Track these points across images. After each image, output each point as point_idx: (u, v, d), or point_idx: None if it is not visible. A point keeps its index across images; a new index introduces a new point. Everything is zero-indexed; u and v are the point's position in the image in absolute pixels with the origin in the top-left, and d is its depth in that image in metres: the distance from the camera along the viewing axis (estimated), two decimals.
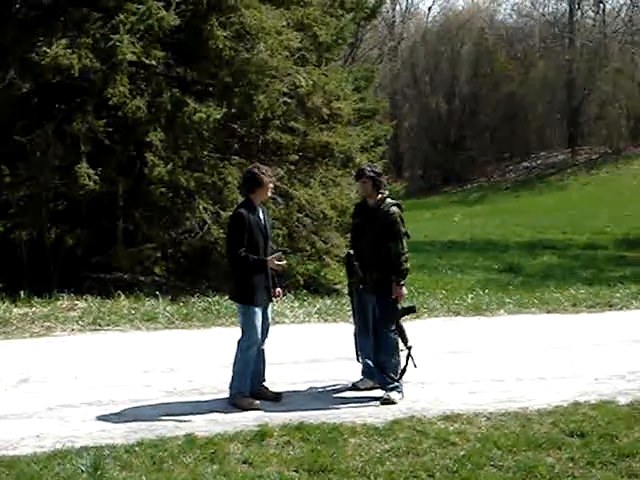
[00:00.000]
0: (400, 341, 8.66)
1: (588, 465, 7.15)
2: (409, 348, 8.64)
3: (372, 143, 24.02)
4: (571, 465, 7.15)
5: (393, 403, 8.55)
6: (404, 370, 8.63)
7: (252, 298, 8.38)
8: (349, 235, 9.43)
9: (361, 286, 8.61)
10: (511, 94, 56.15)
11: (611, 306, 14.59)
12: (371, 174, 8.65)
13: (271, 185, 8.46)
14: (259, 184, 8.32)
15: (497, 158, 57.14)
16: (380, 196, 8.69)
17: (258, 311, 8.40)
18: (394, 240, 8.56)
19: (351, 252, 8.71)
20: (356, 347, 8.91)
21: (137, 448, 7.34)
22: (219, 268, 15.58)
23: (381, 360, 8.68)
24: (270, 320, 8.73)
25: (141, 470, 6.92)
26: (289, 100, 17.19)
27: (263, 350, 8.66)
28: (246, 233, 8.27)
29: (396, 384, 8.68)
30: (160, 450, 7.31)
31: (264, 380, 8.76)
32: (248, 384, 8.52)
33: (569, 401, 8.75)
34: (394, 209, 8.63)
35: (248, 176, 8.52)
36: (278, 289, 8.71)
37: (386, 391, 8.69)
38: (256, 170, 8.39)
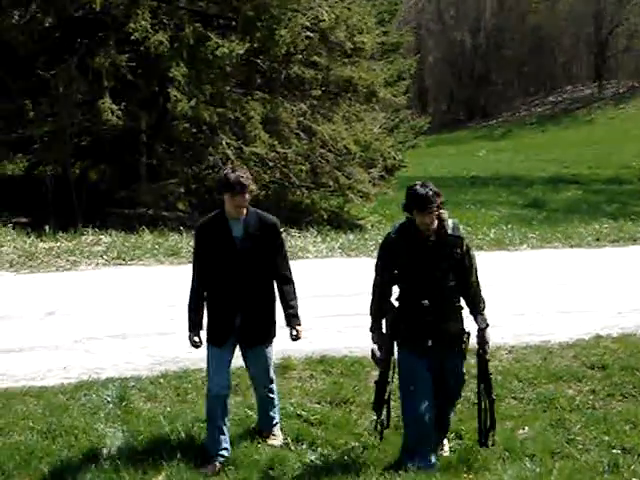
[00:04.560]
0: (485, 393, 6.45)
1: (609, 397, 7.22)
2: (493, 401, 6.41)
3: (396, 78, 23.88)
4: (592, 397, 7.21)
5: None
6: (494, 423, 6.33)
7: (208, 333, 6.34)
8: (379, 276, 6.27)
9: (430, 343, 6.20)
10: (537, 27, 55.31)
11: (635, 240, 14.52)
12: (438, 198, 6.03)
13: (239, 199, 6.07)
14: (224, 189, 6.16)
15: (523, 92, 56.60)
16: (440, 218, 6.16)
17: (215, 351, 6.28)
18: (472, 272, 6.31)
19: (425, 302, 6.11)
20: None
21: (161, 380, 7.48)
22: None
23: (448, 418, 6.58)
24: (264, 367, 6.50)
25: (165, 401, 7.06)
26: (312, 34, 17.04)
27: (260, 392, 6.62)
28: (200, 250, 6.49)
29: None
30: (184, 382, 7.44)
31: (270, 430, 6.57)
32: (213, 439, 6.24)
33: (591, 334, 8.77)
34: (462, 230, 6.31)
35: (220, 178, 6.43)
36: (297, 328, 6.52)
37: (443, 443, 6.57)
38: (227, 173, 6.15)
